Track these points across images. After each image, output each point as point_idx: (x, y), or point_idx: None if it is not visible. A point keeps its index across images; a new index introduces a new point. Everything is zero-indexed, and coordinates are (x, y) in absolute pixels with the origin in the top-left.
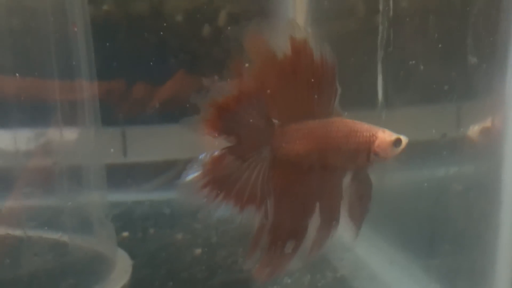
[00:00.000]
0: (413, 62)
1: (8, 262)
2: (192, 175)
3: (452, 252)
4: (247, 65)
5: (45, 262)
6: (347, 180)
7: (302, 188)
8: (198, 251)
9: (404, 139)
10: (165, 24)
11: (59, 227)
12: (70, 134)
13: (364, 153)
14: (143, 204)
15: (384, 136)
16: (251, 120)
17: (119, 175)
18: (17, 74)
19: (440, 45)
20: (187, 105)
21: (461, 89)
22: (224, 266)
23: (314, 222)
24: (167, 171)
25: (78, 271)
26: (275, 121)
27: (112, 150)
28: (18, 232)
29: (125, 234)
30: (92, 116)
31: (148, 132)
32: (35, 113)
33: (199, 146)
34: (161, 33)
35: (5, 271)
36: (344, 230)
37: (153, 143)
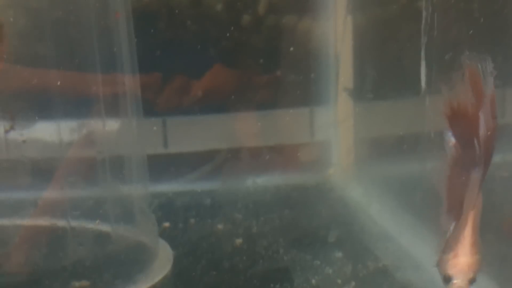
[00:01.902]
0: (457, 47)
1: (53, 252)
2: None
3: (498, 241)
4: None
5: (89, 252)
6: None
7: None
8: (239, 241)
9: None
10: (204, 14)
11: (102, 217)
12: (112, 125)
13: None
14: (184, 195)
15: None
16: None
17: (160, 166)
18: (60, 66)
19: (485, 29)
20: (227, 97)
21: (508, 75)
22: (265, 256)
23: None
24: (208, 161)
25: (121, 261)
26: None
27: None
28: (62, 223)
29: (166, 224)
30: (134, 107)
31: (189, 122)
32: (78, 104)
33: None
34: (201, 22)
35: (50, 261)
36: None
37: (194, 134)
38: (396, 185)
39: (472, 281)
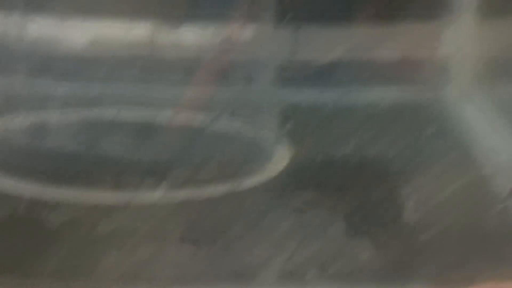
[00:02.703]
0: None
1: (185, 146)
2: None
3: None
4: None
5: (217, 147)
6: None
7: None
8: (352, 145)
9: None
10: None
11: (232, 116)
12: (247, 31)
13: None
14: (309, 101)
15: None
16: None
17: (289, 72)
18: None
19: None
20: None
21: None
22: (375, 161)
23: None
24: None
25: (244, 156)
26: None
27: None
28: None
29: (289, 126)
30: (268, 14)
31: (321, 31)
32: (218, 8)
33: None
34: None
35: (183, 154)
36: None
37: (324, 43)
38: (507, 105)
39: None
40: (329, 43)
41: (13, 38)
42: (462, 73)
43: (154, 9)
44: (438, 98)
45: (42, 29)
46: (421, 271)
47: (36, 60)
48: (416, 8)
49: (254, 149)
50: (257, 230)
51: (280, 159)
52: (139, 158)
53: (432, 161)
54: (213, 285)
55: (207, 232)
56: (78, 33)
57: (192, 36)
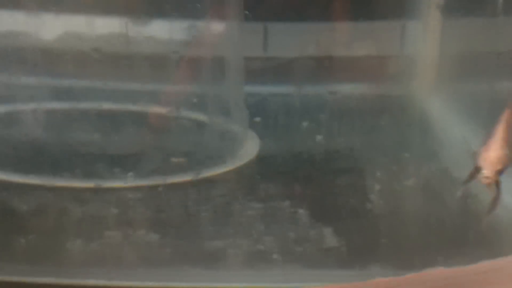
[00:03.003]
0: None
1: (160, 134)
2: None
3: None
4: None
5: (188, 136)
6: None
7: None
8: (319, 137)
9: None
10: None
11: (202, 109)
12: (217, 28)
13: None
14: (277, 96)
15: None
16: None
17: (259, 69)
18: None
19: None
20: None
21: None
22: (340, 152)
23: None
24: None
25: (214, 145)
26: None
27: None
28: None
29: (258, 119)
30: (237, 11)
31: (290, 29)
32: (188, 5)
33: None
34: None
35: (157, 141)
36: None
37: (293, 40)
38: (470, 99)
39: (499, 172)
40: (297, 40)
41: None
42: (427, 70)
43: (125, 5)
44: (404, 93)
45: (12, 23)
46: (380, 255)
47: (6, 53)
48: (382, 7)
49: (223, 141)
50: (224, 217)
51: (248, 150)
52: (109, 148)
53: (396, 152)
54: (179, 268)
55: (174, 218)
56: (49, 28)
57: (162, 32)
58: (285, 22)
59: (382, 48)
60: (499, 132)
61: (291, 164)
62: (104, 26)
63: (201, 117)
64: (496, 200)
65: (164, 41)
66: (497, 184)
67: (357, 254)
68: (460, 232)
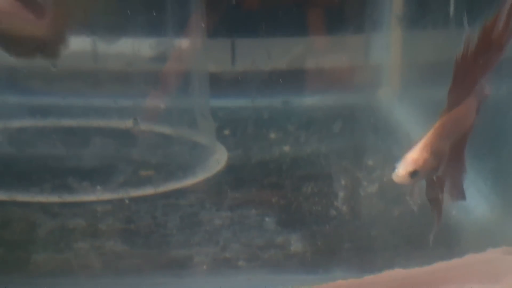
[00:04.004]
0: None
1: (126, 147)
2: None
3: None
4: None
5: (155, 149)
6: None
7: None
8: (286, 147)
9: None
10: None
11: (169, 122)
12: (182, 44)
13: None
14: (245, 109)
15: None
16: None
17: (227, 82)
18: None
19: None
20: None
21: None
22: (307, 161)
23: None
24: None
25: (182, 157)
26: None
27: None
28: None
29: (226, 132)
30: (200, 28)
31: (257, 43)
32: (153, 23)
33: None
34: None
35: (124, 154)
36: None
37: (261, 54)
38: (432, 106)
39: (412, 174)
40: (266, 54)
41: None
42: (391, 78)
43: (94, 23)
44: (370, 101)
45: None
46: (344, 258)
47: None
48: (347, 21)
49: (192, 152)
50: (192, 225)
51: (217, 160)
52: (78, 162)
53: (362, 157)
54: (148, 275)
55: (143, 228)
56: None
57: (131, 49)
58: (252, 37)
59: (349, 60)
60: (427, 136)
61: (259, 173)
62: (70, 44)
63: (170, 129)
64: (438, 217)
65: (131, 58)
66: (437, 201)
67: (323, 257)
68: (420, 234)
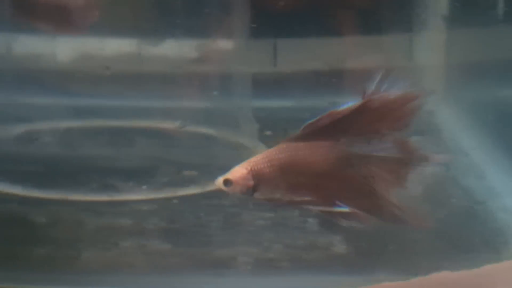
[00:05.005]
0: None
1: (171, 148)
2: None
3: None
4: None
5: (199, 150)
6: None
7: None
8: None
9: None
10: None
11: (212, 123)
12: (224, 45)
13: None
14: (287, 110)
15: None
16: None
17: (269, 83)
18: None
19: None
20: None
21: None
22: None
23: None
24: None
25: (225, 158)
26: None
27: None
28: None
29: (268, 132)
30: (244, 29)
31: (299, 44)
32: (197, 25)
33: None
34: None
35: (169, 154)
36: None
37: (303, 55)
38: (477, 108)
39: (226, 183)
40: (307, 55)
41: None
42: (435, 79)
43: (138, 26)
44: None
45: (29, 46)
46: (388, 260)
47: (24, 75)
48: (390, 21)
49: (233, 153)
50: (235, 226)
51: None
52: (124, 162)
53: None
54: (191, 274)
55: (187, 227)
56: (65, 50)
57: (174, 50)
58: (293, 37)
59: (392, 60)
60: (259, 155)
61: None
62: (116, 47)
63: (212, 131)
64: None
65: (174, 59)
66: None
67: (366, 259)
68: (465, 238)
